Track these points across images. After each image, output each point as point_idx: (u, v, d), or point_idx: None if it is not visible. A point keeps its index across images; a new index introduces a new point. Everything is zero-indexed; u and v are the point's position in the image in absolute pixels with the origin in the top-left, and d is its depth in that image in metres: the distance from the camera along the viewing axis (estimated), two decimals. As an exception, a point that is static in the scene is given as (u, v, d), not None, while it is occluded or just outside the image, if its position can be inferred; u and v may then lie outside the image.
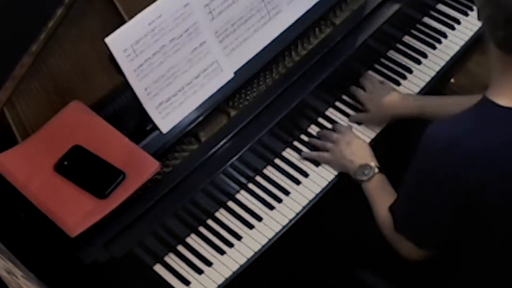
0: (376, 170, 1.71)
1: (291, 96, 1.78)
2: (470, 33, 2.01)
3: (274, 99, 1.77)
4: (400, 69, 1.96)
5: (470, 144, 1.35)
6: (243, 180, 1.78)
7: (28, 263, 1.58)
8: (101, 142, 1.63)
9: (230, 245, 1.71)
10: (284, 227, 1.73)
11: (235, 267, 1.68)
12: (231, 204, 1.77)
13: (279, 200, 1.77)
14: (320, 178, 1.80)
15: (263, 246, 1.71)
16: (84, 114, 1.67)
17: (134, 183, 1.57)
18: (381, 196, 1.67)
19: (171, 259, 1.71)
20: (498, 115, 1.37)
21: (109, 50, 1.54)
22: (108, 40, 1.53)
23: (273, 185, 1.79)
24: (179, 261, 1.70)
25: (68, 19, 1.67)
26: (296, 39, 1.84)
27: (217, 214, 1.76)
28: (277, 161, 1.83)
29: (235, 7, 1.71)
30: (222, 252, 1.71)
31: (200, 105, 1.71)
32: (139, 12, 1.57)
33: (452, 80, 2.27)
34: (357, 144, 1.78)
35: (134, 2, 1.66)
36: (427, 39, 2.01)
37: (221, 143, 1.71)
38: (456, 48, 1.99)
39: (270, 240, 1.71)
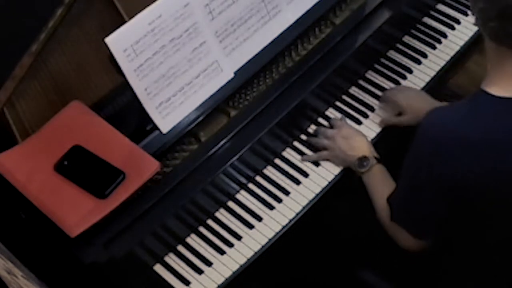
0: (375, 161, 1.72)
1: (291, 96, 1.78)
2: (470, 33, 2.01)
3: (274, 99, 1.77)
4: (400, 69, 1.96)
5: (464, 132, 1.38)
6: (243, 180, 1.78)
7: (28, 263, 1.58)
8: (101, 142, 1.63)
9: (230, 245, 1.71)
10: (284, 227, 1.73)
11: (235, 267, 1.68)
12: (231, 204, 1.77)
13: (279, 200, 1.77)
14: (320, 178, 1.80)
15: (263, 246, 1.71)
16: (84, 114, 1.67)
17: (134, 183, 1.57)
18: (380, 186, 1.67)
19: (171, 259, 1.71)
20: (491, 105, 1.39)
21: (109, 50, 1.54)
22: (108, 40, 1.53)
23: (273, 185, 1.79)
24: (179, 261, 1.70)
25: (68, 19, 1.67)
26: (296, 39, 1.84)
27: (217, 214, 1.76)
28: (277, 161, 1.83)
29: (235, 7, 1.71)
30: (222, 252, 1.71)
31: (200, 105, 1.71)
32: (139, 12, 1.57)
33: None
34: (354, 136, 1.78)
35: (134, 2, 1.66)
36: (427, 39, 2.01)
37: (221, 143, 1.71)
38: (456, 48, 1.99)
39: (270, 240, 1.71)
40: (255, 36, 1.76)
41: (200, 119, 1.72)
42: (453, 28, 2.03)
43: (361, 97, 1.93)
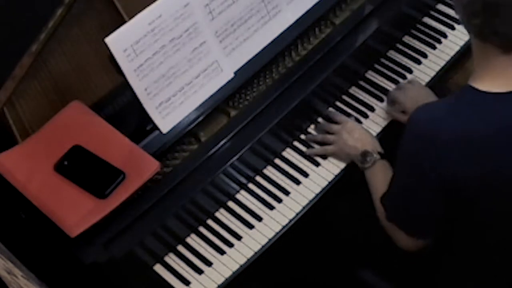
0: (378, 156, 1.71)
1: (291, 96, 1.78)
2: (470, 33, 2.01)
3: (274, 99, 1.77)
4: (400, 69, 1.96)
5: (451, 127, 1.38)
6: (243, 180, 1.78)
7: (28, 263, 1.58)
8: (101, 142, 1.63)
9: (230, 245, 1.71)
10: (284, 227, 1.73)
11: (235, 267, 1.68)
12: (231, 204, 1.77)
13: (279, 200, 1.77)
14: (320, 178, 1.80)
15: (263, 246, 1.71)
16: (84, 114, 1.67)
17: (134, 183, 1.57)
18: (380, 184, 1.67)
19: (171, 259, 1.71)
20: (479, 99, 1.40)
21: (109, 50, 1.54)
22: (108, 40, 1.53)
23: (273, 185, 1.79)
24: (179, 261, 1.70)
25: (68, 19, 1.67)
26: (296, 39, 1.84)
27: (217, 214, 1.76)
28: (277, 161, 1.83)
29: (235, 7, 1.71)
30: (222, 252, 1.71)
31: (200, 105, 1.71)
32: (139, 12, 1.57)
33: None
34: (358, 131, 1.79)
35: (134, 2, 1.66)
36: (427, 39, 2.01)
37: (221, 143, 1.71)
38: (456, 48, 1.99)
39: (270, 240, 1.71)
40: (255, 36, 1.76)
41: (200, 119, 1.72)
42: (453, 28, 2.03)
43: (361, 97, 1.93)
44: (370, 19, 1.90)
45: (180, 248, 1.72)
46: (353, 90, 1.94)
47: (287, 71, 1.82)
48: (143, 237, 1.63)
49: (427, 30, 2.03)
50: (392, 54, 2.00)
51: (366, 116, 1.89)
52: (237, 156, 1.71)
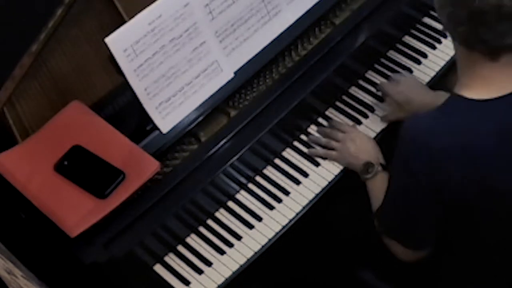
0: (380, 168, 1.71)
1: (291, 96, 1.78)
2: (470, 33, 2.01)
3: (274, 99, 1.77)
4: (400, 69, 1.96)
5: (445, 137, 1.38)
6: (243, 180, 1.78)
7: (28, 263, 1.58)
8: (101, 142, 1.63)
9: (230, 245, 1.71)
10: (284, 227, 1.73)
11: (235, 267, 1.68)
12: (231, 204, 1.77)
13: (279, 200, 1.77)
14: (320, 178, 1.80)
15: (263, 246, 1.71)
16: (84, 114, 1.67)
17: (134, 183, 1.57)
18: (381, 195, 1.67)
19: (171, 259, 1.71)
20: (469, 108, 1.39)
21: (109, 50, 1.54)
22: (108, 40, 1.53)
23: (273, 185, 1.79)
24: (179, 261, 1.70)
25: (68, 19, 1.67)
26: (296, 39, 1.84)
27: (217, 214, 1.76)
28: (277, 161, 1.83)
29: (235, 7, 1.71)
30: (222, 252, 1.71)
31: (200, 105, 1.71)
32: (139, 12, 1.57)
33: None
34: (362, 141, 1.78)
35: (134, 2, 1.66)
36: (427, 39, 2.01)
37: (221, 143, 1.71)
38: (456, 48, 1.99)
39: (270, 240, 1.71)
40: (255, 36, 1.76)
41: (200, 119, 1.72)
42: (453, 28, 2.03)
43: (361, 97, 1.93)
44: (370, 19, 1.90)
45: (180, 248, 1.72)
46: (353, 90, 1.94)
47: (287, 71, 1.82)
48: (143, 237, 1.63)
49: (427, 30, 2.03)
50: (392, 54, 2.00)
51: (366, 116, 1.89)
52: (237, 156, 1.71)
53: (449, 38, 1.98)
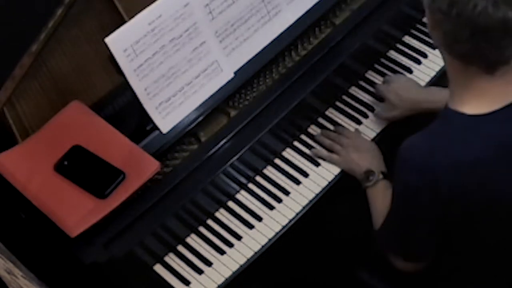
0: (381, 176, 1.71)
1: (291, 96, 1.78)
2: (470, 33, 2.01)
3: (274, 99, 1.77)
4: (400, 69, 1.96)
5: (445, 156, 1.36)
6: (243, 180, 1.78)
7: (28, 263, 1.58)
8: (101, 142, 1.63)
9: (230, 245, 1.71)
10: (284, 227, 1.73)
11: (235, 267, 1.68)
12: (231, 204, 1.77)
13: (279, 200, 1.77)
14: (320, 178, 1.80)
15: (263, 246, 1.71)
16: (84, 114, 1.67)
17: (134, 183, 1.57)
18: (380, 204, 1.67)
19: (171, 259, 1.71)
20: (467, 124, 1.37)
21: (109, 50, 1.54)
22: (108, 40, 1.53)
23: (273, 185, 1.79)
24: (179, 261, 1.70)
25: (68, 19, 1.67)
26: (296, 39, 1.84)
27: (217, 214, 1.76)
28: (277, 161, 1.83)
29: (235, 7, 1.71)
30: (222, 252, 1.71)
31: (200, 105, 1.71)
32: (139, 12, 1.57)
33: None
34: (365, 148, 1.78)
35: (134, 2, 1.66)
36: (427, 39, 2.01)
37: (221, 143, 1.71)
38: (456, 48, 1.99)
39: (270, 240, 1.71)
40: (255, 36, 1.76)
41: (200, 119, 1.72)
42: (453, 28, 2.03)
43: (361, 97, 1.93)
44: (370, 19, 1.90)
45: (180, 248, 1.72)
46: (353, 90, 1.94)
47: (287, 71, 1.82)
48: (143, 237, 1.63)
49: (427, 30, 2.02)
50: (392, 54, 2.00)
51: (366, 116, 1.89)
52: (237, 156, 1.71)
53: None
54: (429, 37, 2.00)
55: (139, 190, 1.59)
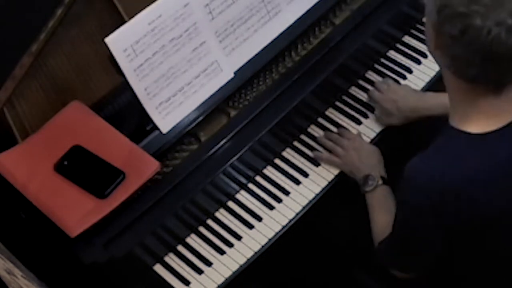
0: (380, 181, 1.71)
1: (291, 96, 1.79)
2: (470, 33, 2.01)
3: (274, 99, 1.77)
4: (400, 69, 1.96)
5: (453, 177, 1.34)
6: (243, 180, 1.78)
7: (28, 263, 1.58)
8: (101, 142, 1.63)
9: (230, 245, 1.71)
10: (284, 227, 1.73)
11: (235, 267, 1.68)
12: (231, 204, 1.77)
13: (279, 200, 1.77)
14: (320, 178, 1.80)
15: (263, 246, 1.71)
16: (84, 114, 1.67)
17: (134, 183, 1.57)
18: (379, 210, 1.67)
19: (171, 259, 1.71)
20: (472, 143, 1.36)
21: (109, 50, 1.54)
22: (108, 40, 1.53)
23: (273, 185, 1.79)
24: (179, 261, 1.70)
25: (68, 19, 1.68)
26: (296, 39, 1.84)
27: (217, 214, 1.76)
28: (277, 161, 1.83)
29: (235, 7, 1.71)
30: (222, 252, 1.71)
31: (200, 105, 1.71)
32: (139, 12, 1.57)
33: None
34: (366, 152, 1.78)
35: (134, 2, 1.66)
36: (427, 39, 2.01)
37: (221, 143, 1.71)
38: (456, 48, 1.99)
39: (270, 240, 1.71)
40: (255, 36, 1.76)
41: (200, 119, 1.72)
42: (453, 28, 2.03)
43: (361, 97, 1.92)
44: (370, 19, 1.90)
45: (180, 248, 1.72)
46: (353, 90, 1.94)
47: (287, 71, 1.82)
48: (143, 237, 1.63)
49: (427, 30, 2.03)
50: (392, 54, 2.00)
51: (366, 116, 1.89)
52: (237, 156, 1.72)
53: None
54: (429, 37, 2.01)
55: (139, 190, 1.59)
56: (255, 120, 1.75)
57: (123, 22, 1.61)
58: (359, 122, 1.88)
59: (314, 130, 1.88)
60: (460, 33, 1.25)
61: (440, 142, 1.40)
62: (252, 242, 1.71)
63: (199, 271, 1.68)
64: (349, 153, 1.77)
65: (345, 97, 1.92)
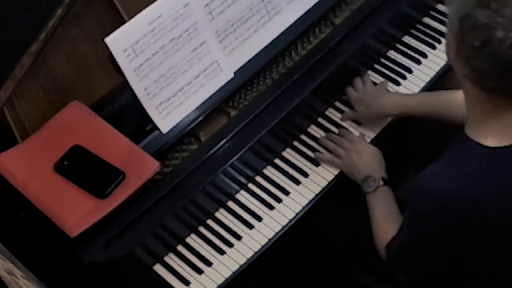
0: (381, 183, 1.70)
1: (291, 96, 1.78)
2: (470, 33, 2.01)
3: (274, 99, 1.77)
4: (400, 69, 1.96)
5: (468, 192, 1.33)
6: (243, 180, 1.78)
7: (28, 263, 1.58)
8: (101, 142, 1.63)
9: (230, 245, 1.71)
10: (284, 227, 1.73)
11: (235, 267, 1.68)
12: (231, 204, 1.77)
13: (279, 200, 1.77)
14: (320, 178, 1.80)
15: (262, 246, 1.71)
16: (84, 114, 1.67)
17: (134, 183, 1.57)
18: (380, 211, 1.67)
19: (171, 259, 1.71)
20: (490, 158, 1.35)
21: (109, 50, 1.54)
22: (108, 40, 1.53)
23: (273, 185, 1.79)
24: (179, 261, 1.70)
25: (68, 19, 1.67)
26: (296, 39, 1.84)
27: (217, 214, 1.76)
28: (277, 161, 1.83)
29: (235, 7, 1.71)
30: (222, 252, 1.71)
31: (200, 105, 1.71)
32: (139, 12, 1.57)
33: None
34: (367, 153, 1.77)
35: (134, 2, 1.66)
36: (427, 39, 2.01)
37: (221, 143, 1.71)
38: (456, 48, 1.99)
39: (270, 240, 1.71)
40: (255, 36, 1.76)
41: (200, 119, 1.72)
42: (453, 28, 2.03)
43: (361, 97, 1.92)
44: (370, 19, 1.90)
45: (180, 248, 1.72)
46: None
47: (287, 71, 1.82)
48: (143, 237, 1.63)
49: (427, 30, 2.03)
50: (392, 54, 2.00)
51: (366, 116, 1.89)
52: (237, 156, 1.72)
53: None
54: (429, 37, 2.02)
55: (139, 190, 1.59)
56: (255, 120, 1.75)
57: (123, 22, 1.61)
58: (359, 122, 1.88)
59: (314, 130, 1.88)
60: (481, 45, 1.24)
61: (456, 153, 1.39)
62: (252, 242, 1.71)
63: (199, 271, 1.68)
64: (350, 154, 1.77)
65: (345, 97, 1.92)
